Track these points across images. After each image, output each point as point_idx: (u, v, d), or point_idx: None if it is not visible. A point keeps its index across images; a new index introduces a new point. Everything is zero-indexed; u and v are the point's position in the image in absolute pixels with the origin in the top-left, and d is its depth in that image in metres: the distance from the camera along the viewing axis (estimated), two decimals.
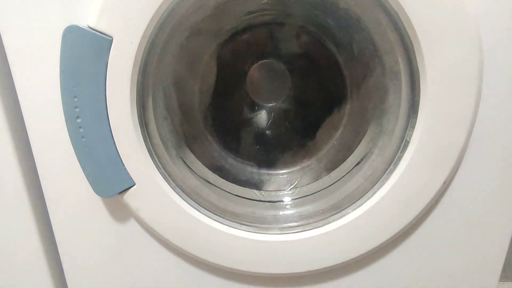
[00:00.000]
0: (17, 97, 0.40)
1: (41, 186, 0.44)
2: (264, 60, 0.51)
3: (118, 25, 0.35)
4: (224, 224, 0.44)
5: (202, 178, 0.49)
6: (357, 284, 0.49)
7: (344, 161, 0.50)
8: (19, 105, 0.40)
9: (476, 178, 0.43)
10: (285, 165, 0.55)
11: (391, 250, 0.47)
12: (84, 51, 0.36)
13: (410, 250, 0.46)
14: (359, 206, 0.43)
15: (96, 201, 0.44)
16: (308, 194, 0.51)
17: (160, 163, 0.43)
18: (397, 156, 0.42)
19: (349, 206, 0.44)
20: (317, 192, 0.50)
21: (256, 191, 0.52)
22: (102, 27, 0.35)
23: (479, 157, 0.42)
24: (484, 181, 0.43)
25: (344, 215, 0.43)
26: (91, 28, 0.35)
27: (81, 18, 0.36)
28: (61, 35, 0.36)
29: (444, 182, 0.41)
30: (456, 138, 0.39)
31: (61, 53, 0.36)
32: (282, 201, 0.51)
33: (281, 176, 0.54)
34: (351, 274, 0.48)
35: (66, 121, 0.38)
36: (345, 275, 0.48)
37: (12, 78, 0.39)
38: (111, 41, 0.36)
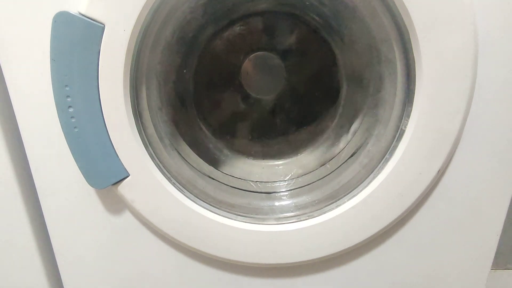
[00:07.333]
0: (6, 87, 0.39)
1: (32, 178, 0.43)
2: (259, 52, 0.51)
3: (110, 11, 0.34)
4: (220, 215, 0.44)
5: (197, 169, 0.49)
6: (353, 273, 0.49)
7: (340, 151, 0.50)
8: (9, 95, 0.39)
9: (470, 167, 0.43)
10: (281, 156, 0.54)
11: (386, 239, 0.47)
12: (75, 39, 0.35)
13: (405, 238, 0.47)
14: (354, 195, 0.43)
15: (90, 192, 0.44)
16: (304, 184, 0.51)
17: (155, 154, 0.43)
18: (392, 145, 0.42)
19: (344, 195, 0.45)
20: (313, 182, 0.50)
21: (251, 182, 0.51)
22: (94, 13, 0.34)
23: (473, 146, 0.42)
24: (478, 169, 0.43)
25: (339, 205, 0.44)
26: (82, 15, 0.35)
27: (72, 4, 0.35)
28: (51, 22, 0.35)
29: (438, 171, 0.41)
30: (451, 127, 0.39)
31: (51, 41, 0.35)
32: (278, 192, 0.51)
33: (276, 167, 0.54)
34: (347, 264, 0.48)
35: (57, 111, 0.38)
36: (341, 264, 0.48)
37: (1, 67, 0.38)
38: (103, 28, 0.35)
